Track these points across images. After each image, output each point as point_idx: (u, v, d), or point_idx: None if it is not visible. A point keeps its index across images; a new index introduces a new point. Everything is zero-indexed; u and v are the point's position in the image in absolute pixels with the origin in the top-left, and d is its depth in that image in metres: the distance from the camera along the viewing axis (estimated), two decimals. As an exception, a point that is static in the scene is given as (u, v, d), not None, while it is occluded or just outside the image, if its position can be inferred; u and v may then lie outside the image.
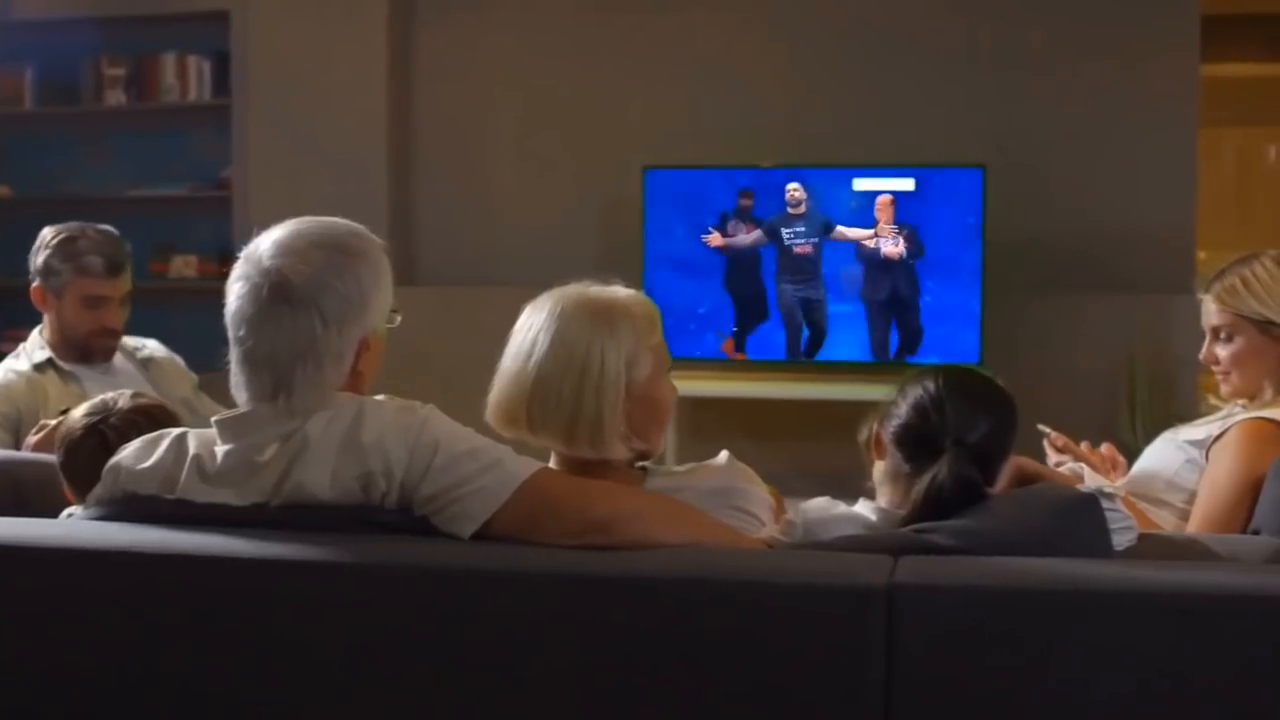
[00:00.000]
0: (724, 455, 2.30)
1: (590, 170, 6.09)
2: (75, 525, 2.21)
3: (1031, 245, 5.62)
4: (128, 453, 2.22)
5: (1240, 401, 2.97)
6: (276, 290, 2.11)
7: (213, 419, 2.18)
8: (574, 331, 2.18)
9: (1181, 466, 2.91)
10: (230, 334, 2.17)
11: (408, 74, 6.30)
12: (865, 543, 2.03)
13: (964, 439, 2.15)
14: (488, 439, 2.12)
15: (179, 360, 3.88)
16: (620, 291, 2.28)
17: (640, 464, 2.28)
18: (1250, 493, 2.71)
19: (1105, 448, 3.07)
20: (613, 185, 5.95)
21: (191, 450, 2.16)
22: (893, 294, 5.49)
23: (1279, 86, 8.74)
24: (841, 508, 2.19)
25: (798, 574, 1.91)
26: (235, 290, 2.16)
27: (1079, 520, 2.03)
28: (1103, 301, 5.64)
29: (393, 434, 2.06)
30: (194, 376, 3.86)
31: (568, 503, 2.04)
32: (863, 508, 2.20)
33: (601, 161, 6.05)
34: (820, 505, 2.21)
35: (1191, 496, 2.86)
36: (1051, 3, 5.72)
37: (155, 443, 2.22)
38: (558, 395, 2.17)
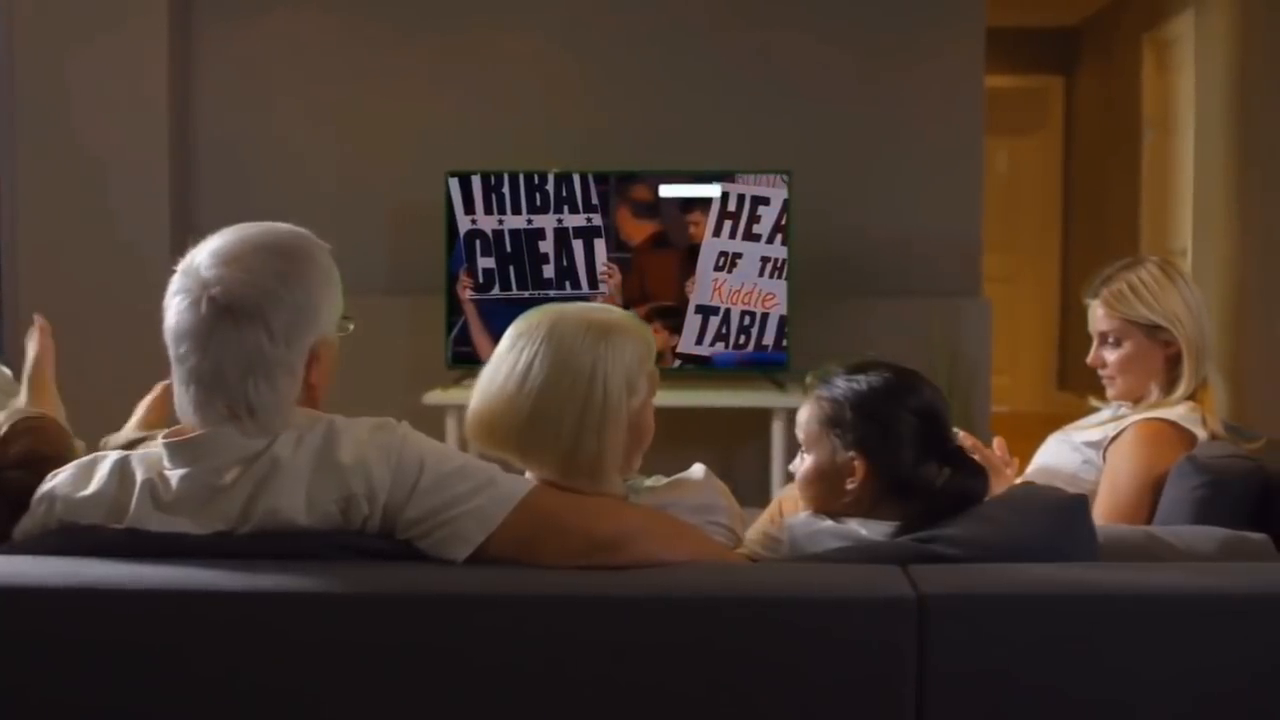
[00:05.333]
0: (700, 469, 2.25)
1: (384, 177, 5.94)
2: (10, 560, 2.00)
3: (832, 250, 5.73)
4: (60, 480, 2.06)
5: (1124, 403, 3.06)
6: (218, 303, 1.97)
7: (161, 441, 2.04)
8: (575, 352, 2.08)
9: (1080, 467, 2.99)
10: (171, 352, 2.03)
11: (189, 81, 6.01)
12: (864, 554, 2.01)
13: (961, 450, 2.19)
14: (474, 457, 2.03)
15: (5, 373, 3.60)
16: (616, 311, 2.21)
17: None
18: (1150, 492, 2.81)
19: (997, 443, 3.08)
20: (408, 192, 5.83)
21: (139, 476, 2.01)
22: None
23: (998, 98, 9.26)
24: (826, 521, 2.16)
25: (823, 588, 1.89)
26: (175, 305, 2.02)
27: (1073, 522, 2.06)
28: (899, 305, 5.80)
29: (373, 453, 1.95)
30: (18, 390, 3.58)
31: (571, 521, 1.97)
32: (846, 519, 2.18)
33: (395, 167, 5.91)
34: (804, 519, 2.19)
35: (1090, 498, 2.93)
36: (844, 12, 5.84)
37: (91, 468, 2.06)
38: (556, 428, 2.07)
